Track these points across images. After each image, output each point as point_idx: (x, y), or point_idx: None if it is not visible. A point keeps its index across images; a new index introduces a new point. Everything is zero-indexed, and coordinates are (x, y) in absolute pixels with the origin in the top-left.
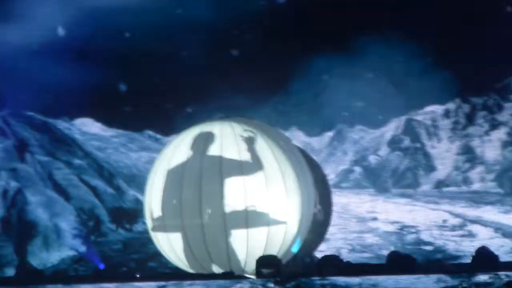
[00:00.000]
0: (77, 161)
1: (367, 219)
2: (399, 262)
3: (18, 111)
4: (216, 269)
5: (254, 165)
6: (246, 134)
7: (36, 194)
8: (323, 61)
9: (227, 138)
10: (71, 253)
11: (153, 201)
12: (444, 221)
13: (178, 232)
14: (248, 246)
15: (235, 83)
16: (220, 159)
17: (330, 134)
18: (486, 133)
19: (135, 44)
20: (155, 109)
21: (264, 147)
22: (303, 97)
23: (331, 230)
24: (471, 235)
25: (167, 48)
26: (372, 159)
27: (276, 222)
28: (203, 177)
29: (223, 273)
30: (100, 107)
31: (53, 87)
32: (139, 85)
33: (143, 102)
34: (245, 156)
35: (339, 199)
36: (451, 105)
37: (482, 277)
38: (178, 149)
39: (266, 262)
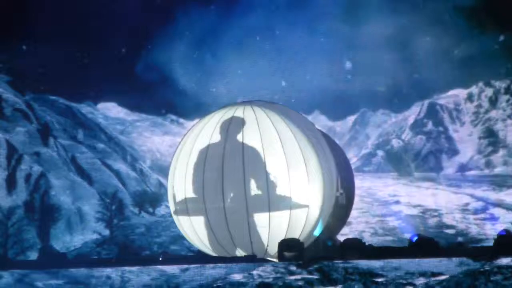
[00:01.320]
0: (100, 145)
1: (390, 203)
2: (422, 245)
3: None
4: (239, 253)
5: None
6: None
7: (59, 178)
8: None
9: (249, 122)
10: (94, 236)
11: (176, 185)
12: (466, 204)
13: (200, 216)
14: (270, 229)
15: None
16: (242, 143)
17: (352, 118)
18: (509, 116)
19: None
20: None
21: (286, 131)
22: None
23: (353, 213)
24: (493, 218)
25: None
26: (395, 143)
27: (298, 206)
28: (225, 161)
29: (245, 256)
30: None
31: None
32: None
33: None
34: (267, 139)
35: (361, 183)
36: (474, 89)
37: (504, 260)
38: (201, 133)
39: (288, 245)
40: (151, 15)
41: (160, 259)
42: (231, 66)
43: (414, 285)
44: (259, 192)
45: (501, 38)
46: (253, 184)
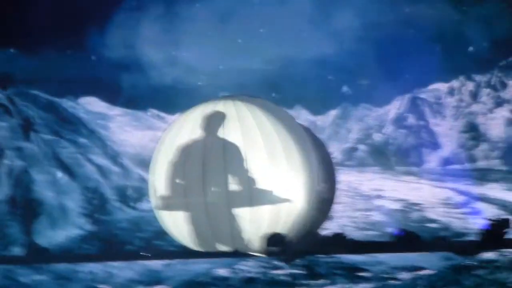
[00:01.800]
0: (82, 140)
1: (372, 197)
2: (404, 239)
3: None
4: (221, 247)
5: (257, 144)
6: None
7: (41, 173)
8: None
9: (230, 116)
10: (77, 231)
11: (157, 180)
12: (449, 198)
13: (181, 211)
14: (252, 224)
15: None
16: (223, 137)
17: (334, 112)
18: (490, 110)
19: None
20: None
21: (268, 126)
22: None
23: (336, 208)
24: (475, 212)
25: None
26: (377, 137)
27: (280, 200)
28: (206, 155)
29: (228, 251)
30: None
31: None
32: None
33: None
34: (248, 134)
35: (344, 177)
36: (455, 83)
37: (488, 255)
38: (182, 127)
39: (272, 240)
40: None
41: (143, 254)
42: None
43: (397, 279)
44: (241, 187)
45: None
46: (234, 178)
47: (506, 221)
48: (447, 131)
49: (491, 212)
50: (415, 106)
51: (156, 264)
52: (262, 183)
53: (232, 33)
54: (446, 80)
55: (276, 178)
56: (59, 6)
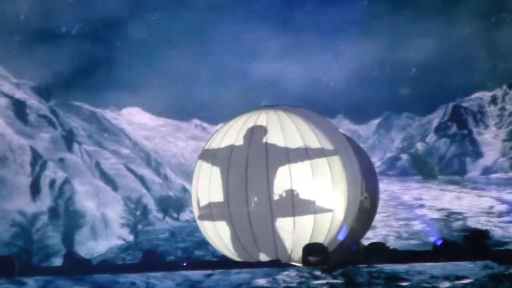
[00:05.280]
0: (124, 151)
1: (414, 206)
2: (446, 249)
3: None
4: (263, 257)
5: (300, 153)
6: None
7: (83, 184)
8: None
9: (273, 127)
10: (119, 242)
11: (200, 190)
12: (491, 207)
13: (224, 220)
14: (294, 234)
15: None
16: (266, 147)
17: (376, 121)
18: None
19: None
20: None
21: (310, 135)
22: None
23: (378, 217)
24: None
25: None
26: (419, 146)
27: (323, 210)
28: (249, 165)
29: (269, 261)
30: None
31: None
32: None
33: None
34: (291, 143)
35: (386, 186)
36: (498, 92)
37: None
38: (225, 138)
39: (312, 250)
40: None
41: (185, 264)
42: None
43: None
44: (283, 197)
45: None
46: (277, 188)
47: None
48: (490, 140)
49: None
50: (458, 115)
51: (197, 274)
52: (304, 194)
53: None
54: (489, 88)
55: (318, 188)
56: None
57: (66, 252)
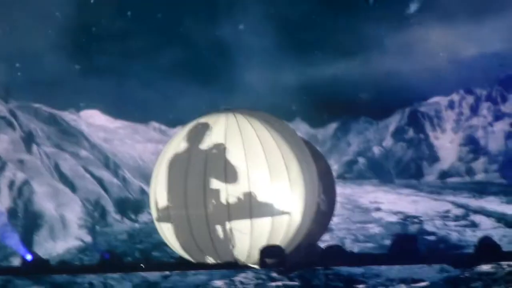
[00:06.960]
0: (83, 152)
1: (371, 210)
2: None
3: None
4: (220, 260)
5: (258, 156)
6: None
7: (42, 185)
8: None
9: (232, 129)
10: (77, 243)
11: (158, 192)
12: (447, 211)
13: (182, 222)
14: (252, 236)
15: None
16: (224, 150)
17: (334, 125)
18: (490, 124)
19: None
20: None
21: (268, 138)
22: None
23: (335, 220)
24: (474, 225)
25: None
26: (376, 150)
27: (280, 213)
28: (207, 168)
29: (227, 263)
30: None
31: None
32: None
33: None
34: (249, 146)
35: (343, 189)
36: (455, 96)
37: (485, 267)
38: (183, 140)
39: (269, 252)
40: None
41: (142, 265)
42: None
43: None
44: (241, 199)
45: None
46: (234, 191)
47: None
48: (447, 144)
49: (489, 224)
50: (415, 119)
51: (154, 275)
52: (262, 196)
53: None
54: (446, 93)
55: (276, 190)
56: None
57: (25, 252)
